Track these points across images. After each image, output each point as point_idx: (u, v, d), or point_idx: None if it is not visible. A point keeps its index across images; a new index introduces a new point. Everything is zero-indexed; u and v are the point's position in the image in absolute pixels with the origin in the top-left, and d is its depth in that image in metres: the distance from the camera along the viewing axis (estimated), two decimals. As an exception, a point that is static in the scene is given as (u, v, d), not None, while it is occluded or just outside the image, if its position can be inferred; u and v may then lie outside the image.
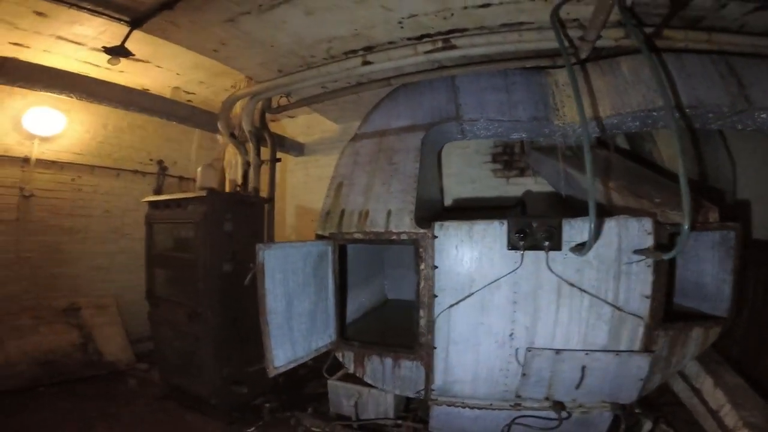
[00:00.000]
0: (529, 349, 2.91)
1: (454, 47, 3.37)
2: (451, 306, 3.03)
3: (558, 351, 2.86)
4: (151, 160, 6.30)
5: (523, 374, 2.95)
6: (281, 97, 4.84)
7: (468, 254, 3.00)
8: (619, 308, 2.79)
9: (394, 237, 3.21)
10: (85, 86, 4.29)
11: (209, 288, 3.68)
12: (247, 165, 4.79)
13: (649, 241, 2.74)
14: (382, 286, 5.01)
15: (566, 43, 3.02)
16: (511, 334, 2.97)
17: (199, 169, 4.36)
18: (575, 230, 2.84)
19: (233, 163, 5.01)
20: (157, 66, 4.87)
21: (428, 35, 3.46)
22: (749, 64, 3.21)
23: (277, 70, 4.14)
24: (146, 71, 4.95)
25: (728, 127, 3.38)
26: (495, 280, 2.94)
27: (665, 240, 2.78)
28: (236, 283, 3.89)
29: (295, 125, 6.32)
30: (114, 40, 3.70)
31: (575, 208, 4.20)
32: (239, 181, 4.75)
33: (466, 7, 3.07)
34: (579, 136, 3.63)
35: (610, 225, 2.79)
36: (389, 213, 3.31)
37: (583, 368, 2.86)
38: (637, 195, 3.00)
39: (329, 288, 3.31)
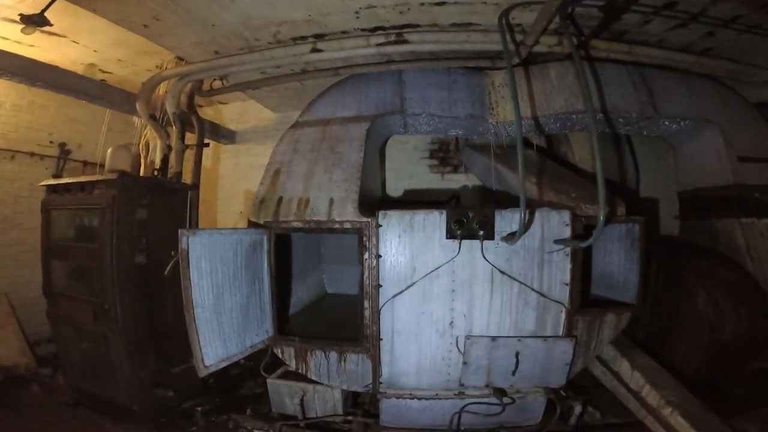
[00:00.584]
0: (468, 337, 2.91)
1: (406, 42, 3.30)
2: (395, 296, 2.93)
3: (494, 338, 2.90)
4: (51, 142, 5.31)
5: (464, 363, 2.94)
6: (215, 80, 4.38)
7: (410, 243, 2.92)
8: (543, 295, 2.90)
9: (337, 226, 3.02)
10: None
11: (118, 281, 3.12)
12: (167, 149, 4.24)
13: (567, 232, 2.90)
14: (321, 280, 4.74)
15: (511, 46, 3.13)
16: (451, 323, 2.95)
17: (110, 150, 3.73)
18: (506, 221, 2.90)
19: (151, 148, 4.41)
20: (73, 41, 4.14)
21: (382, 28, 3.35)
22: (661, 76, 3.59)
23: (214, 51, 3.72)
24: (59, 46, 4.19)
25: (635, 132, 3.79)
26: (435, 269, 2.91)
27: (581, 231, 2.99)
28: (152, 276, 3.39)
29: (228, 112, 5.79)
30: (32, 9, 3.17)
31: (503, 202, 4.40)
32: (157, 166, 4.17)
33: (423, 4, 3.02)
34: (510, 135, 3.83)
35: (535, 216, 2.93)
36: (331, 201, 3.12)
37: (517, 354, 2.92)
38: (557, 191, 3.18)
39: (264, 280, 3.00)
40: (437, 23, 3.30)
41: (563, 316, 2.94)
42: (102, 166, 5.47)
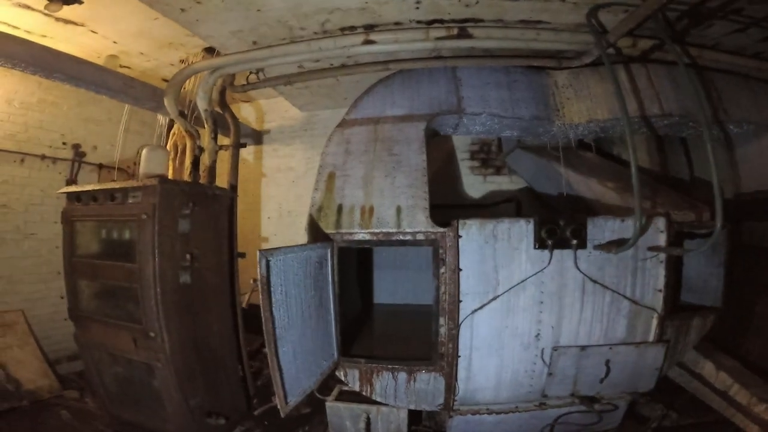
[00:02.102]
0: (555, 348, 2.56)
1: (469, 37, 2.77)
2: (475, 311, 2.52)
3: (583, 347, 2.55)
4: (64, 144, 4.58)
5: (549, 374, 2.59)
6: (249, 74, 3.80)
7: (493, 255, 2.48)
8: (636, 302, 2.55)
9: (409, 237, 2.54)
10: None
11: (162, 305, 2.60)
12: (198, 151, 3.66)
13: (662, 239, 2.55)
14: (370, 290, 4.30)
15: (605, 46, 2.68)
16: (537, 335, 2.57)
17: (144, 150, 3.13)
18: (598, 229, 2.54)
19: (180, 150, 3.82)
20: (92, 31, 3.47)
21: (440, 20, 2.80)
22: (724, 80, 3.20)
23: (252, 41, 3.12)
24: (75, 36, 3.51)
25: (696, 134, 3.42)
26: (522, 281, 2.50)
27: (673, 238, 2.64)
28: (197, 296, 2.88)
29: (251, 111, 5.18)
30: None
31: (554, 206, 4.01)
32: (187, 170, 3.61)
33: (496, -3, 2.53)
34: (577, 136, 3.44)
35: (628, 224, 2.55)
36: (399, 210, 2.65)
37: (608, 362, 2.59)
38: (641, 196, 2.84)
39: (330, 299, 2.53)
40: (503, 19, 2.82)
41: (655, 322, 2.59)
42: (120, 170, 4.83)
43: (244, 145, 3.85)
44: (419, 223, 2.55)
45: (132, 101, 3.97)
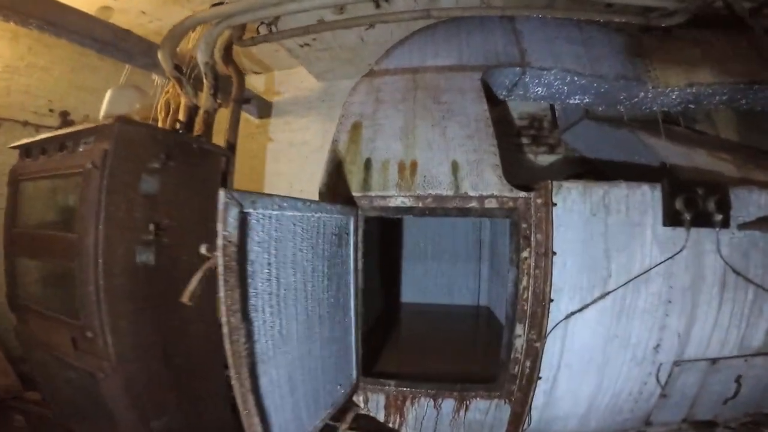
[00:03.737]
0: (677, 363, 1.62)
1: None
2: (572, 314, 1.53)
3: (714, 360, 1.63)
4: (51, 110, 3.80)
5: (663, 395, 1.68)
6: (260, 24, 2.96)
7: (603, 233, 1.51)
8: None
9: (473, 204, 1.59)
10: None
11: (107, 293, 1.66)
12: (194, 109, 2.80)
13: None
14: (397, 286, 3.29)
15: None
16: (656, 346, 1.60)
17: (110, 90, 2.31)
18: (740, 202, 1.58)
19: (173, 109, 2.96)
20: None
21: None
22: None
23: None
24: None
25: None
26: (646, 271, 1.52)
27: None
28: (166, 283, 1.93)
29: (262, 82, 4.33)
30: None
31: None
32: (179, 127, 2.73)
33: None
34: (673, 104, 2.51)
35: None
36: (455, 166, 1.69)
37: (739, 378, 1.67)
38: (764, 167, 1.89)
39: (350, 294, 1.56)
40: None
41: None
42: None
43: (247, 101, 2.97)
44: (489, 184, 1.60)
45: (124, 57, 3.14)
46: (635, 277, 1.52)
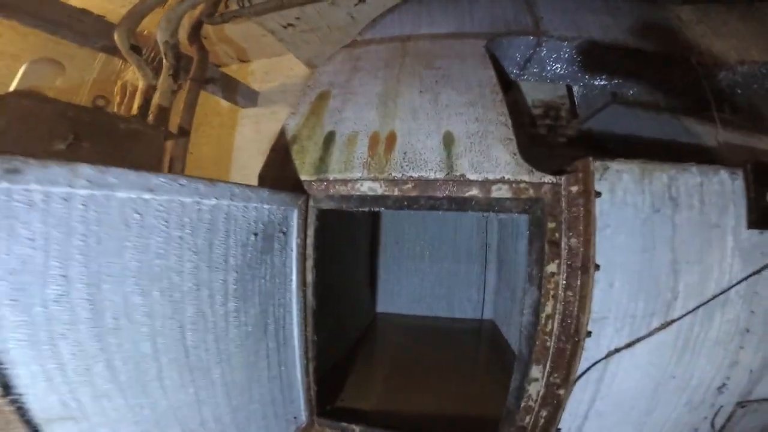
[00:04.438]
0: (741, 404, 1.06)
1: None
2: (615, 352, 0.95)
3: None
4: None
5: None
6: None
7: (670, 238, 0.95)
8: None
9: (474, 192, 1.04)
10: None
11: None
12: (150, 90, 2.36)
13: None
14: (369, 295, 2.61)
15: None
16: (721, 386, 1.01)
17: (26, 65, 1.88)
18: None
19: (130, 93, 2.53)
20: None
21: None
22: None
23: None
24: None
25: None
26: (723, 291, 0.94)
27: None
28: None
29: (247, 72, 3.91)
30: None
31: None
32: (135, 111, 2.28)
33: None
34: (716, 85, 1.98)
35: None
36: (449, 139, 1.16)
37: None
38: None
39: (291, 317, 1.02)
40: None
41: None
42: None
43: (210, 81, 2.51)
44: (498, 163, 1.06)
45: (79, 38, 2.73)
46: (710, 300, 0.95)
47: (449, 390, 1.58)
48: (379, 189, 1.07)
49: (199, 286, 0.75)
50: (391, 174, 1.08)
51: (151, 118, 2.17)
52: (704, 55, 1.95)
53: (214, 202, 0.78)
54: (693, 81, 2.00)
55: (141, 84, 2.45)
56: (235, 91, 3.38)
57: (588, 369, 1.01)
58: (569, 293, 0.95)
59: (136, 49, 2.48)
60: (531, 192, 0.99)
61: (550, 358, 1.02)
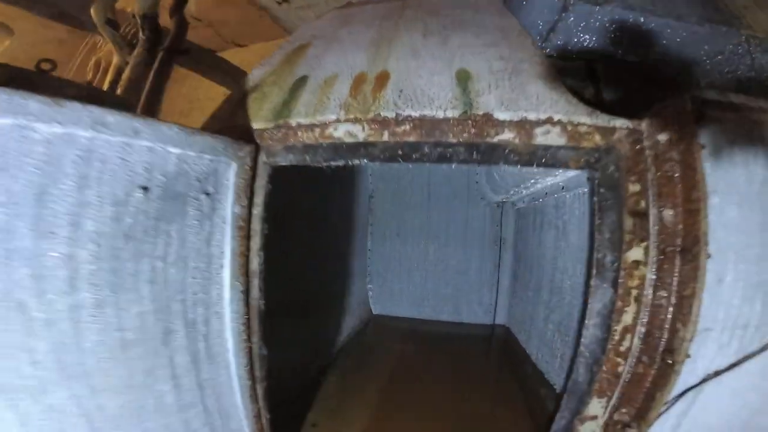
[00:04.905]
0: None
1: None
2: (717, 374, 0.55)
3: None
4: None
5: None
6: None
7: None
8: None
9: (507, 136, 0.69)
10: None
11: None
12: (123, 65, 2.09)
13: None
14: (362, 290, 2.17)
15: None
16: None
17: None
18: None
19: (103, 68, 2.27)
20: None
21: None
22: None
23: None
24: None
25: None
26: None
27: None
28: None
29: (245, 56, 3.67)
30: None
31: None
32: (106, 86, 2.01)
33: None
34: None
35: None
36: (463, 76, 0.83)
37: None
38: None
39: (223, 321, 0.65)
40: None
41: None
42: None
43: (185, 52, 2.21)
44: (538, 99, 0.69)
45: (55, 14, 2.53)
46: None
47: (453, 413, 1.21)
48: (360, 133, 0.71)
49: (9, 260, 0.40)
50: (380, 114, 0.72)
51: (120, 90, 1.88)
52: (752, 27, 1.62)
53: (59, 129, 0.43)
54: (737, 58, 1.66)
55: (115, 59, 2.19)
56: (228, 74, 3.12)
57: (675, 401, 0.62)
58: (662, 293, 0.57)
59: (111, 23, 2.23)
60: (597, 138, 0.62)
61: (619, 388, 0.63)
